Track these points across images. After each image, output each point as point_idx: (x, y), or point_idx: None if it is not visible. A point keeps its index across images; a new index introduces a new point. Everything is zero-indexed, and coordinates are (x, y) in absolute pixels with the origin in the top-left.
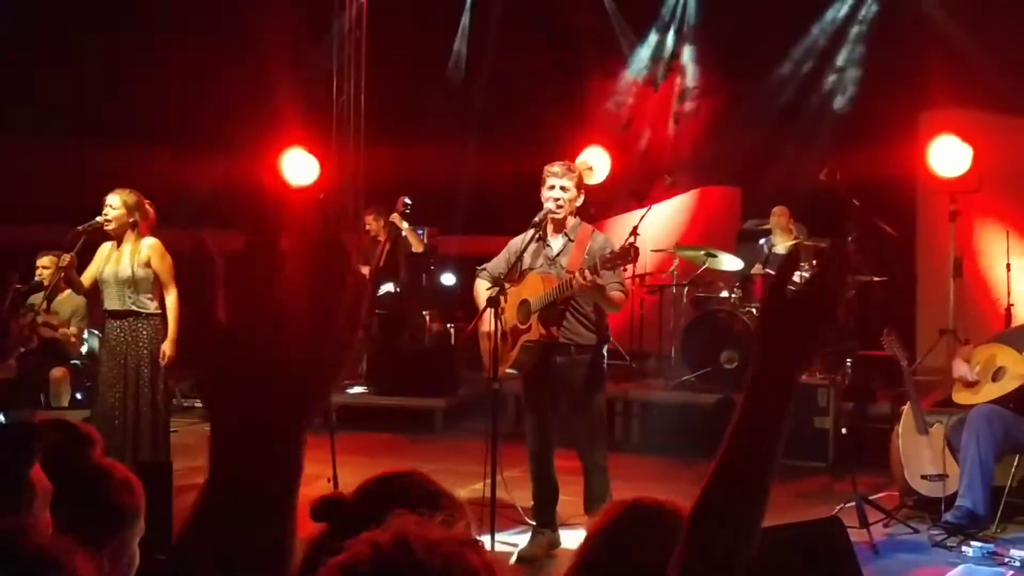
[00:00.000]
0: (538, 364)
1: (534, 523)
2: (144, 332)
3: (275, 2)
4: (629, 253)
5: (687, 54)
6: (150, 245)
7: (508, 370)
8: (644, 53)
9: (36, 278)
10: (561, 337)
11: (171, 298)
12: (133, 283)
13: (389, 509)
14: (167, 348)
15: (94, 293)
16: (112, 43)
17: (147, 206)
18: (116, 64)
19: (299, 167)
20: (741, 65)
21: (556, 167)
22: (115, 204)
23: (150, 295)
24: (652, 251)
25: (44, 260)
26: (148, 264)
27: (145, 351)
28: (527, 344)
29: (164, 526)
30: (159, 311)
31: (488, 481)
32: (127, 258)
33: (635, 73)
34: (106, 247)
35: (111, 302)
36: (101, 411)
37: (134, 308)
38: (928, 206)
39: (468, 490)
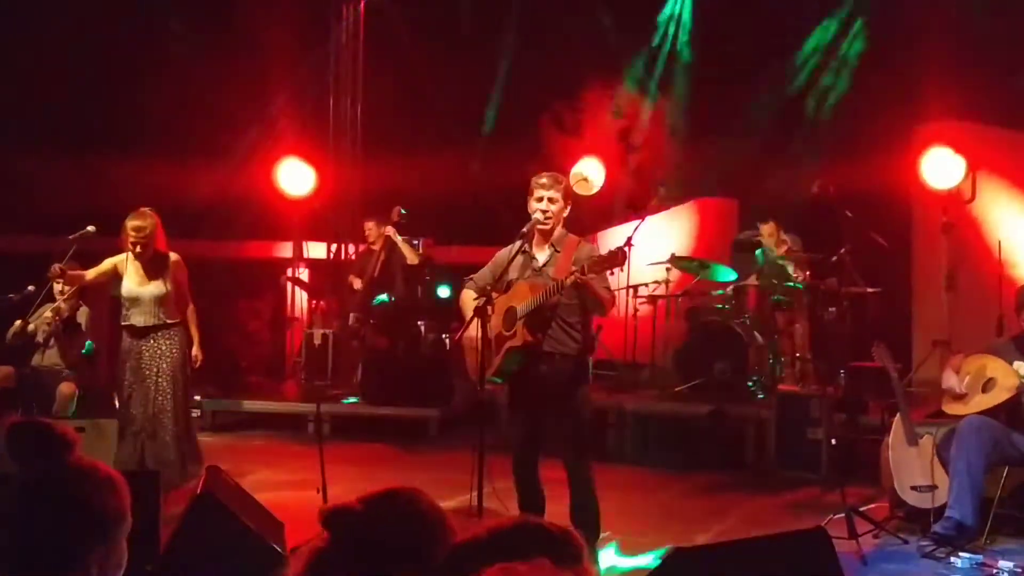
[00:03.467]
0: (522, 372)
1: None
2: (167, 343)
3: (275, 11)
4: (616, 256)
5: (681, 65)
6: (175, 261)
7: (492, 378)
8: (640, 64)
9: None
10: (546, 345)
11: (190, 309)
12: (162, 299)
13: (396, 525)
14: (198, 352)
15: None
16: (107, 52)
17: None
18: (109, 73)
19: (295, 177)
20: (736, 76)
21: (544, 178)
22: (145, 229)
23: (174, 307)
24: (648, 263)
25: (58, 287)
26: (174, 279)
27: (166, 362)
28: (511, 351)
29: (151, 536)
30: (179, 321)
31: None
32: (156, 275)
33: (631, 84)
34: (119, 261)
35: (140, 318)
36: (126, 423)
37: (165, 321)
38: (922, 218)
39: (457, 500)
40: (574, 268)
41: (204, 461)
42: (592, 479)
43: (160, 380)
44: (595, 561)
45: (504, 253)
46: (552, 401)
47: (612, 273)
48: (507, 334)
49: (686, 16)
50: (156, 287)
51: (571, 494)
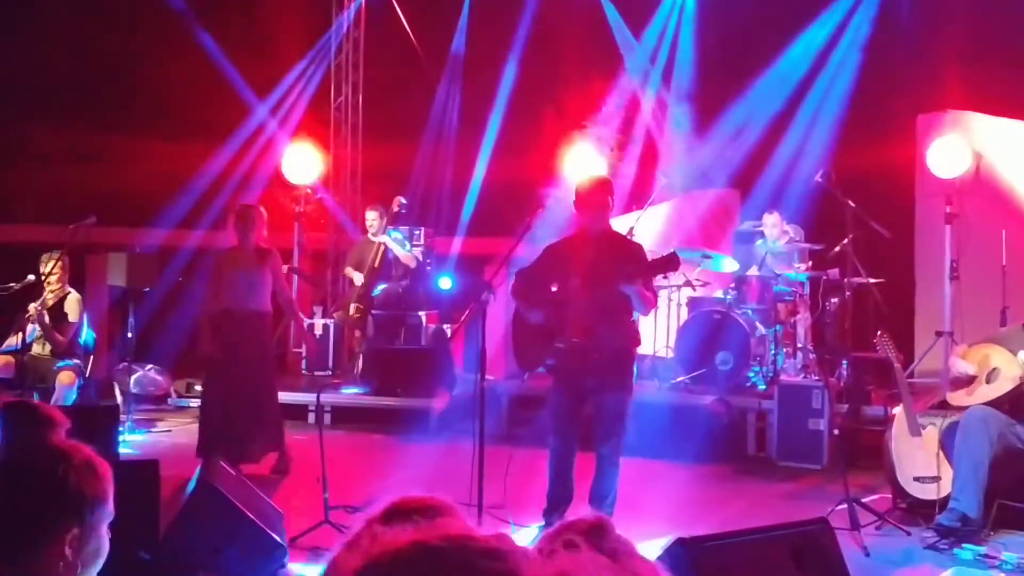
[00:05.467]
0: (570, 365)
1: (544, 521)
2: (261, 328)
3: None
4: (671, 262)
5: (684, 55)
6: (268, 255)
7: (539, 370)
8: (641, 54)
9: (43, 278)
10: (595, 339)
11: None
12: (249, 286)
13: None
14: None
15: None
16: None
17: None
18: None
19: (298, 165)
20: (739, 66)
21: (589, 185)
22: (240, 220)
23: (260, 296)
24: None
25: (51, 267)
26: (268, 270)
27: (257, 346)
28: (560, 346)
29: (150, 524)
30: (266, 310)
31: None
32: (249, 264)
33: (632, 74)
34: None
35: (229, 303)
36: (211, 405)
37: (251, 308)
38: (925, 208)
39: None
40: (619, 264)
41: (281, 449)
42: (618, 465)
43: (240, 365)
44: None
45: (552, 247)
46: (596, 391)
47: (666, 277)
48: (560, 330)
49: (689, 5)
50: (245, 275)
51: (595, 475)
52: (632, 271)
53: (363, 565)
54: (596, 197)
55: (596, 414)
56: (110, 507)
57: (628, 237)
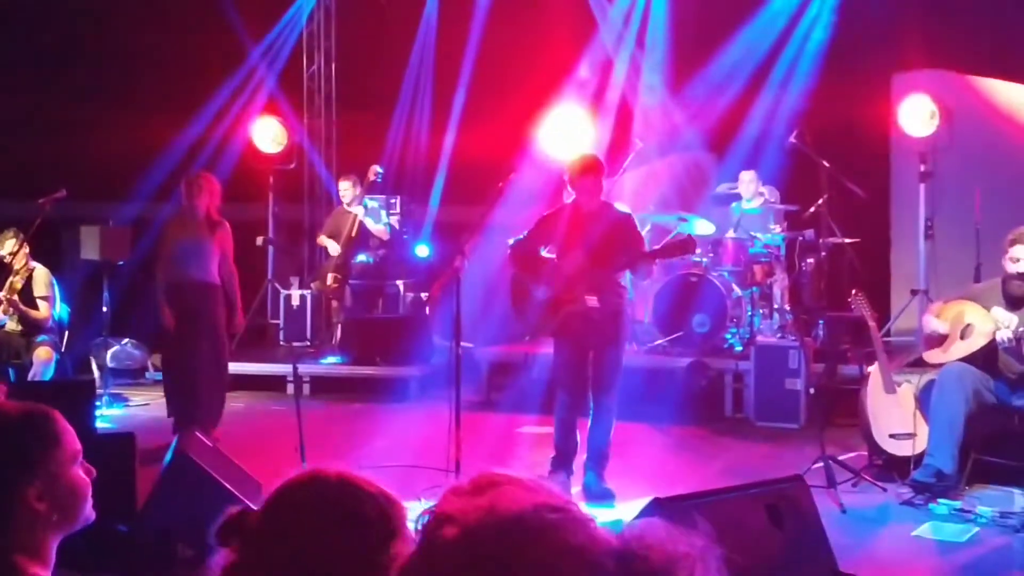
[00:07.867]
0: (573, 327)
1: (551, 468)
2: (209, 299)
3: None
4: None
5: (658, 17)
6: (219, 225)
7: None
8: (615, 15)
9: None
10: (600, 302)
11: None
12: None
13: (306, 521)
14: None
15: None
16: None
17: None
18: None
19: (270, 136)
20: (712, 27)
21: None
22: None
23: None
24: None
25: (8, 245)
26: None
27: (206, 316)
28: (571, 312)
29: (127, 496)
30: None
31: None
32: (199, 234)
33: (606, 36)
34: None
35: (182, 272)
36: (177, 373)
37: (203, 279)
38: (899, 167)
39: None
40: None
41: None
42: (614, 412)
43: (192, 338)
44: (603, 485)
45: (552, 217)
46: (596, 345)
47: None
48: (566, 297)
49: None
50: (191, 245)
51: (593, 425)
52: (651, 253)
53: (461, 533)
54: (588, 183)
55: (596, 367)
56: (68, 448)
57: (619, 208)
